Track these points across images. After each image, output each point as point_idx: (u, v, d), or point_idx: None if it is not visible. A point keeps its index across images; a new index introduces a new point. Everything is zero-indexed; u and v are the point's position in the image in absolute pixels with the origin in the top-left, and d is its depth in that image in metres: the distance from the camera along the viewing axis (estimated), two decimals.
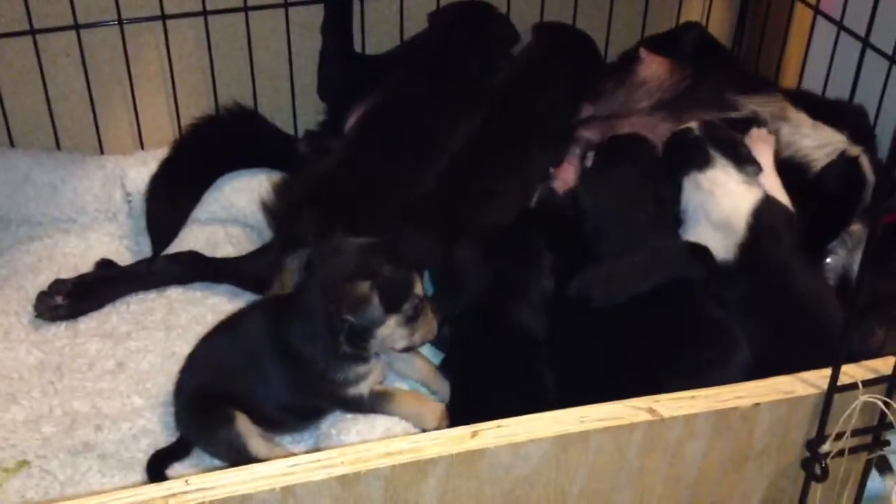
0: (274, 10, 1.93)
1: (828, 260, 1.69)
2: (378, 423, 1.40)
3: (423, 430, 1.36)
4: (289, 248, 1.56)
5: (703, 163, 1.52)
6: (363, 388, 1.41)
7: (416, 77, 1.84)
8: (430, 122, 1.75)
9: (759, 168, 1.53)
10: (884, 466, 1.29)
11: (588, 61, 1.94)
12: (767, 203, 1.51)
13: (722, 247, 1.49)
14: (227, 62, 1.98)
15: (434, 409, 1.43)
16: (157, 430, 1.48)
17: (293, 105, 2.02)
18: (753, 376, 1.19)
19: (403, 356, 1.50)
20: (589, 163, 1.64)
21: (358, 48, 2.01)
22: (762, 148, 1.61)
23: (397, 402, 1.43)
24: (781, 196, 1.55)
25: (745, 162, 1.53)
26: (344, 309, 1.32)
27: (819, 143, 1.69)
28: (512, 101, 1.81)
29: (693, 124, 1.60)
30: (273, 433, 1.42)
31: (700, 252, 1.47)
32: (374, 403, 1.43)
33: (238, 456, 1.34)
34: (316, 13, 1.96)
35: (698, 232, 1.52)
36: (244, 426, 1.36)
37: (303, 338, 1.37)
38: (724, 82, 1.80)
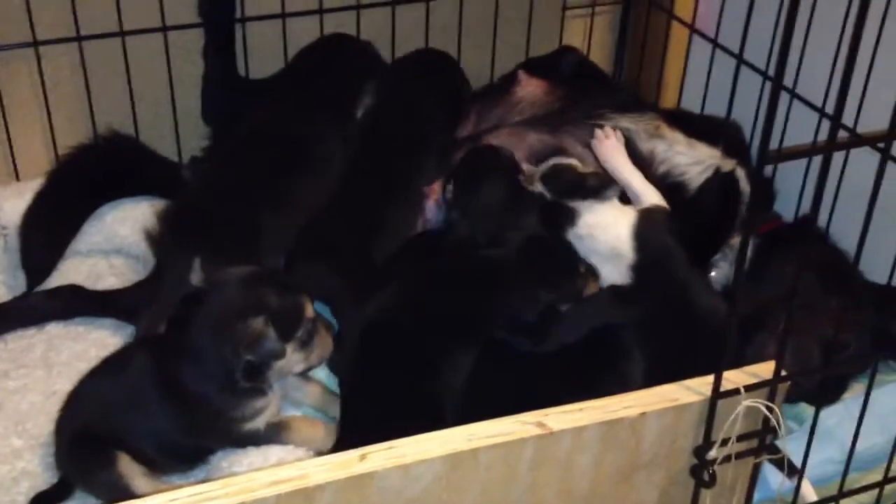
0: (153, 35, 1.89)
1: (712, 273, 1.74)
2: (271, 453, 1.37)
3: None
4: (164, 279, 1.52)
5: (570, 219, 1.54)
6: (260, 423, 1.38)
7: (285, 102, 1.83)
8: (302, 147, 1.75)
9: (616, 186, 1.56)
10: (792, 468, 1.32)
11: (454, 83, 1.95)
12: (643, 218, 1.54)
13: (618, 273, 1.52)
14: (105, 88, 1.92)
15: (330, 430, 1.41)
16: (38, 472, 1.41)
17: (176, 131, 1.97)
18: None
19: (296, 384, 1.48)
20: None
21: (241, 71, 1.98)
22: (610, 146, 1.65)
23: (292, 430, 1.41)
24: (651, 191, 1.58)
25: (601, 190, 1.54)
26: (241, 348, 1.29)
27: (694, 159, 1.74)
28: (383, 128, 1.82)
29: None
30: (159, 474, 1.37)
31: (623, 296, 1.50)
32: (270, 435, 1.39)
33: (121, 498, 1.28)
34: (196, 36, 1.92)
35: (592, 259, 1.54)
36: (127, 467, 1.31)
37: (195, 378, 1.34)
38: (598, 101, 1.84)
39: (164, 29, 1.89)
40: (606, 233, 1.53)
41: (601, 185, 1.55)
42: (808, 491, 1.32)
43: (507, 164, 1.67)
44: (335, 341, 1.51)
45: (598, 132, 1.67)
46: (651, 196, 1.58)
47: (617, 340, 1.46)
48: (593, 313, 1.49)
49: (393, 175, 1.73)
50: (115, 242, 1.81)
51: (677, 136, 1.78)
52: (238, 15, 1.94)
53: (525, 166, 1.68)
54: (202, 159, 1.88)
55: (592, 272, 1.53)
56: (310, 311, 1.37)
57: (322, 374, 1.57)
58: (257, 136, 1.78)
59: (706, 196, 1.70)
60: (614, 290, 1.51)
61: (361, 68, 1.92)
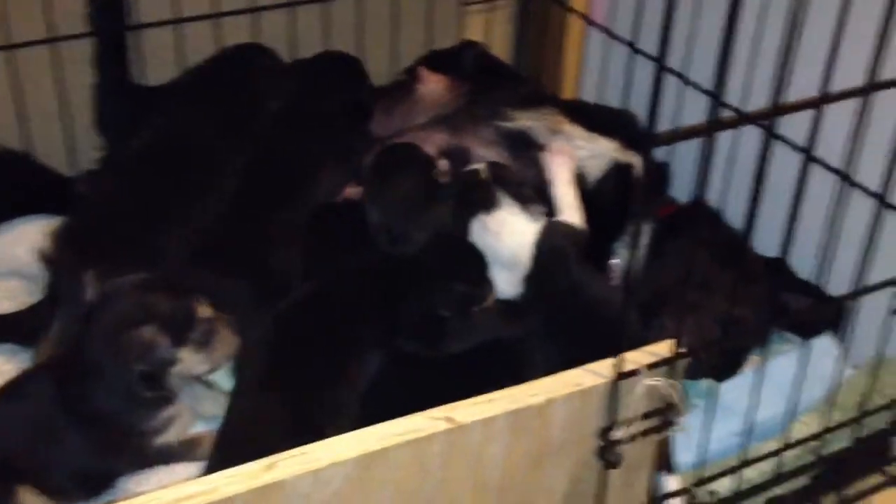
0: (40, 47, 1.84)
1: (615, 261, 1.78)
2: (179, 470, 1.35)
3: None
4: (56, 299, 1.50)
5: (490, 204, 1.57)
6: (172, 436, 1.36)
7: (182, 114, 1.81)
8: (199, 157, 1.74)
9: (543, 209, 1.59)
10: (666, 465, 1.36)
11: (354, 84, 1.96)
12: (548, 230, 1.56)
13: (511, 283, 1.54)
14: None
15: None
16: None
17: (70, 144, 1.92)
18: None
19: (208, 396, 1.47)
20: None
21: (136, 79, 1.95)
22: (561, 161, 1.68)
23: (208, 444, 1.39)
24: (574, 211, 1.61)
25: (529, 203, 1.58)
26: (132, 359, 1.28)
27: (592, 152, 1.77)
28: (279, 135, 1.82)
29: (480, 165, 1.64)
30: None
31: (512, 312, 1.53)
32: (184, 452, 1.38)
33: None
34: (87, 46, 1.88)
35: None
36: (29, 500, 1.28)
37: (99, 395, 1.32)
38: (500, 98, 1.86)
39: (53, 40, 1.83)
40: (513, 237, 1.55)
41: (533, 200, 1.59)
42: (669, 483, 1.37)
43: (421, 159, 1.68)
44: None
45: (553, 143, 1.69)
46: (571, 215, 1.60)
47: (518, 347, 1.48)
48: (483, 327, 1.52)
49: (288, 182, 1.72)
50: (11, 265, 1.76)
51: (576, 131, 1.81)
52: (130, 22, 1.90)
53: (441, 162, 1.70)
54: (97, 172, 1.84)
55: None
56: (203, 311, 1.35)
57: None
58: (153, 149, 1.76)
59: (603, 187, 1.74)
60: (505, 304, 1.54)
61: (263, 77, 1.91)
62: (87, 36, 1.87)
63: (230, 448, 1.29)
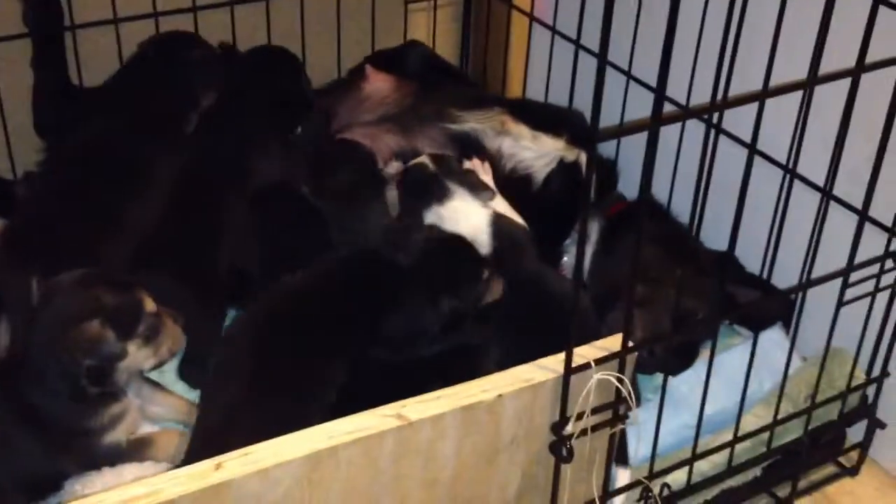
0: None
1: (564, 259, 1.79)
2: (126, 472, 1.33)
3: None
4: (4, 303, 1.48)
5: (443, 195, 1.59)
6: (121, 433, 1.34)
7: (114, 112, 1.79)
8: (128, 155, 1.71)
9: (492, 193, 1.63)
10: (620, 458, 1.36)
11: (289, 78, 1.93)
12: (500, 218, 1.60)
13: None
14: None
15: None
16: None
17: (8, 145, 1.87)
18: None
19: (155, 398, 1.45)
20: None
21: (74, 78, 1.90)
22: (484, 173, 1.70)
23: (156, 444, 1.37)
24: (511, 214, 1.64)
25: (478, 188, 1.62)
26: (79, 354, 1.25)
27: (539, 153, 1.78)
28: (212, 132, 1.80)
29: (424, 158, 1.65)
30: None
31: (483, 319, 1.53)
32: (133, 451, 1.35)
33: None
34: (23, 47, 1.83)
35: None
36: None
37: (43, 395, 1.29)
38: (446, 98, 1.86)
39: None
40: (468, 220, 1.57)
41: (482, 183, 1.63)
42: (622, 477, 1.37)
43: (363, 154, 1.67)
44: (190, 353, 1.47)
45: (466, 162, 1.71)
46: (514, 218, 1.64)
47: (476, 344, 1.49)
48: (455, 334, 1.52)
49: (224, 179, 1.70)
50: None
51: (523, 131, 1.82)
52: (67, 22, 1.86)
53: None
54: (37, 174, 1.80)
55: (496, 275, 1.55)
56: (150, 305, 1.34)
57: (180, 387, 1.55)
58: (87, 150, 1.73)
59: (551, 186, 1.75)
60: (477, 315, 1.54)
61: (196, 71, 1.88)
62: (23, 37, 1.83)
63: (210, 441, 1.26)
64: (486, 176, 1.69)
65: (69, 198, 1.66)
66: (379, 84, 1.94)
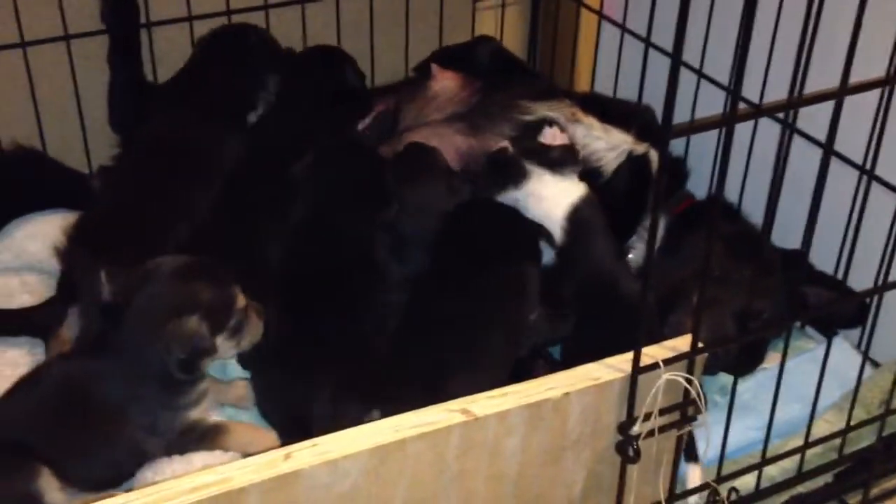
0: (55, 44, 1.84)
1: (629, 256, 1.77)
2: (195, 459, 1.35)
3: None
4: (66, 295, 1.52)
5: (519, 178, 1.57)
6: (202, 412, 1.38)
7: (173, 104, 1.82)
8: (193, 148, 1.74)
9: (577, 167, 1.59)
10: (690, 455, 1.35)
11: (343, 78, 1.94)
12: (581, 203, 1.56)
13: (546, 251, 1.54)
14: (8, 101, 1.87)
15: (268, 436, 1.41)
16: None
17: (84, 140, 1.93)
18: None
19: (217, 385, 1.48)
20: None
21: (149, 75, 1.95)
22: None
23: (232, 434, 1.40)
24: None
25: (560, 164, 1.58)
26: (175, 347, 1.29)
27: (610, 144, 1.76)
28: (268, 130, 1.83)
29: (504, 143, 1.64)
30: (76, 490, 1.33)
31: (559, 317, 1.53)
32: (207, 437, 1.38)
33: None
34: (101, 43, 1.88)
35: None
36: (47, 481, 1.27)
37: (133, 377, 1.32)
38: (514, 92, 1.85)
39: (67, 37, 1.84)
40: (540, 205, 1.55)
41: (564, 158, 1.58)
42: (694, 473, 1.36)
43: (442, 162, 1.67)
44: None
45: (546, 130, 1.69)
46: None
47: None
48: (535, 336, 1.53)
49: (279, 172, 1.70)
50: (26, 259, 1.77)
51: (594, 122, 1.80)
52: (143, 20, 1.90)
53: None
54: (110, 168, 1.84)
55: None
56: (241, 300, 1.36)
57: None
58: (155, 143, 1.77)
59: (619, 180, 1.73)
60: (549, 315, 1.54)
61: (257, 65, 1.90)
62: (100, 33, 1.88)
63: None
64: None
65: (138, 191, 1.70)
66: (446, 82, 1.94)
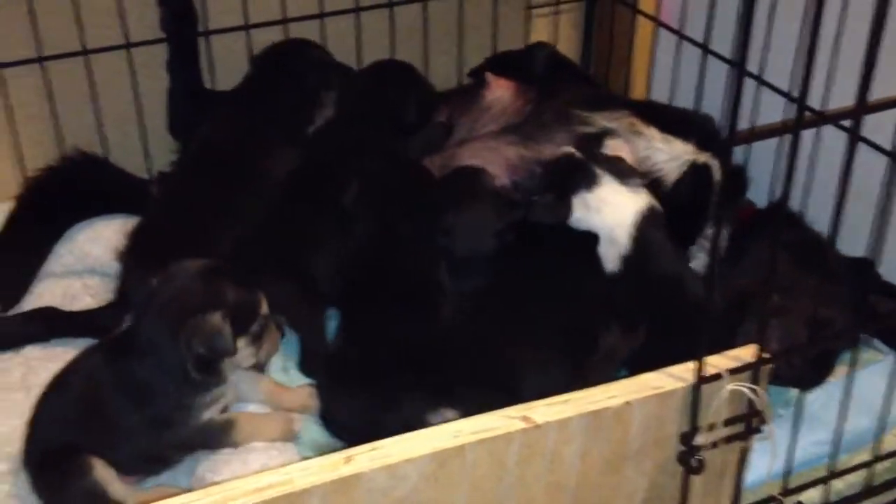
0: (115, 52, 1.87)
1: (692, 263, 1.75)
2: (251, 459, 1.36)
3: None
4: (126, 299, 1.55)
5: (591, 182, 1.57)
6: (214, 412, 1.38)
7: (230, 114, 1.84)
8: (248, 159, 1.76)
9: (641, 179, 1.60)
10: None
11: (411, 95, 1.92)
12: (648, 213, 1.56)
13: (610, 258, 1.55)
14: (71, 108, 1.90)
15: (275, 418, 1.42)
16: (23, 495, 1.39)
17: (145, 147, 1.95)
18: None
19: (247, 378, 1.47)
20: None
21: (208, 84, 1.97)
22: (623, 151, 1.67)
23: (238, 428, 1.39)
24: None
25: (627, 175, 1.59)
26: (196, 342, 1.29)
27: (670, 155, 1.74)
28: (328, 140, 1.83)
29: (569, 148, 1.64)
30: (130, 479, 1.36)
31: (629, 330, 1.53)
32: (220, 435, 1.38)
33: None
34: (160, 51, 1.91)
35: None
36: (102, 471, 1.30)
37: (152, 371, 1.32)
38: (570, 101, 1.84)
39: (128, 46, 1.87)
40: (612, 214, 1.56)
41: (632, 170, 1.60)
42: None
43: (488, 185, 1.67)
44: (306, 350, 1.54)
45: (609, 142, 1.70)
46: None
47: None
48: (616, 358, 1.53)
49: (332, 184, 1.72)
50: (88, 262, 1.80)
51: (654, 133, 1.78)
52: (201, 28, 1.93)
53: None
54: (169, 175, 1.86)
55: None
56: (264, 307, 1.37)
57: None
58: (208, 153, 1.79)
59: (681, 190, 1.71)
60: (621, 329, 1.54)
61: (315, 79, 1.90)
62: (159, 42, 1.90)
63: None
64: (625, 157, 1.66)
65: (190, 199, 1.72)
66: (500, 92, 1.92)
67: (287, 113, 1.86)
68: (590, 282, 1.54)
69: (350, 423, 1.43)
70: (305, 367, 1.58)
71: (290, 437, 1.42)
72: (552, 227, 1.58)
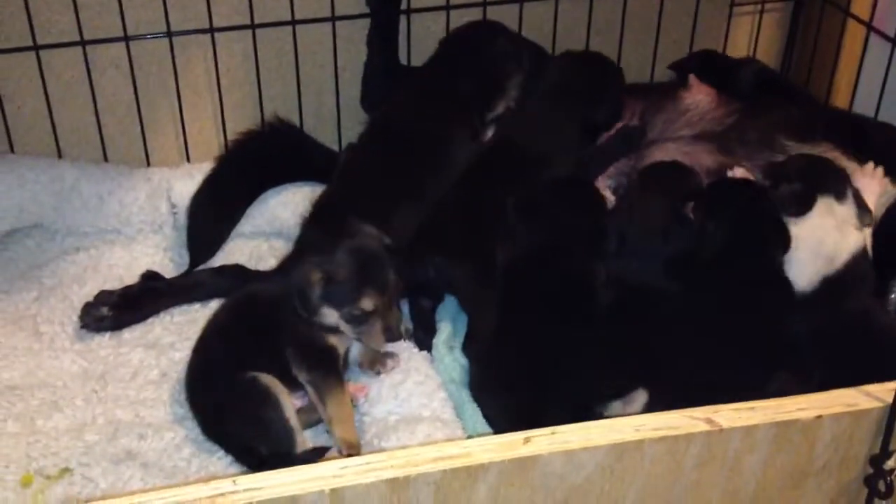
0: (320, 24, 1.94)
1: (893, 295, 1.66)
2: (418, 430, 1.39)
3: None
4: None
5: (842, 195, 1.55)
6: (333, 340, 1.48)
7: (415, 93, 1.86)
8: (430, 139, 1.78)
9: (871, 218, 1.57)
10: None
11: (608, 89, 1.88)
12: (865, 251, 1.54)
13: (809, 274, 1.51)
14: (274, 76, 1.99)
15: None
16: (200, 440, 1.47)
17: (338, 118, 2.02)
18: None
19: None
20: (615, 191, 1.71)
21: (403, 60, 2.01)
22: (869, 185, 1.63)
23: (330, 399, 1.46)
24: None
25: (864, 209, 1.56)
26: (298, 279, 1.45)
27: (874, 192, 1.65)
28: (515, 126, 1.82)
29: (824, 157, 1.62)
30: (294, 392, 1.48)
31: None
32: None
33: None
34: (362, 26, 1.97)
35: (799, 249, 1.52)
36: (269, 381, 1.44)
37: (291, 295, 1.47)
38: (773, 124, 1.77)
39: (334, 19, 1.93)
40: (841, 234, 1.53)
41: (867, 206, 1.57)
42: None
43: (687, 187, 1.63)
44: (473, 332, 1.58)
45: (869, 166, 1.66)
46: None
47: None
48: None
49: (518, 172, 1.71)
50: (276, 225, 1.87)
51: (854, 167, 1.70)
52: (404, 6, 1.97)
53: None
54: (357, 147, 1.89)
55: None
56: (368, 304, 1.43)
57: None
58: (392, 129, 1.82)
59: (886, 221, 1.63)
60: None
61: (498, 67, 1.89)
62: (363, 17, 1.96)
63: None
64: (875, 187, 1.63)
65: (367, 175, 1.75)
66: (701, 97, 1.86)
67: (466, 97, 1.86)
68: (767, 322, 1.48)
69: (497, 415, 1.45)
70: (468, 348, 1.59)
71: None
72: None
